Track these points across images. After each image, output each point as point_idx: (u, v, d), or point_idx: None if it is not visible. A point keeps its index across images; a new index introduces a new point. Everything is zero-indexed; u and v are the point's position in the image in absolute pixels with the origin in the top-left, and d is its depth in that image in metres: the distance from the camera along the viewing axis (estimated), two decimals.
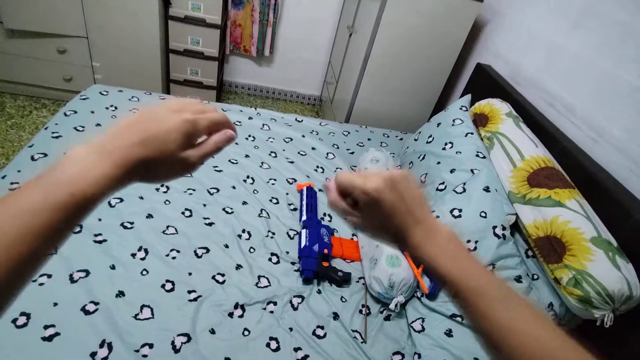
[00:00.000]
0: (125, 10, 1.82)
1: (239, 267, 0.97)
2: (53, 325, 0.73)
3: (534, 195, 0.99)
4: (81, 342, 0.73)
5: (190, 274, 0.91)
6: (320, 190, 1.28)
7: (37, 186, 0.26)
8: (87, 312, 0.78)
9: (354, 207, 0.37)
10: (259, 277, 0.96)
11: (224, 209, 1.11)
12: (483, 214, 0.98)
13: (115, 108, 1.38)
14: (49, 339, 0.71)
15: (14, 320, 0.72)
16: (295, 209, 1.20)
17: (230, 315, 0.86)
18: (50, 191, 0.26)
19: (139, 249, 0.93)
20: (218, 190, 1.17)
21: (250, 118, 1.56)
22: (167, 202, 1.08)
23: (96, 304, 0.79)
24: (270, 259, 1.01)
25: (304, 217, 1.12)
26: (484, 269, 0.35)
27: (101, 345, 0.73)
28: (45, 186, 0.26)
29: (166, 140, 0.32)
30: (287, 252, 1.05)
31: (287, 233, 1.11)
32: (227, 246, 1.01)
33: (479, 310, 0.32)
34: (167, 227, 1.01)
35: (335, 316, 0.91)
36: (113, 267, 0.87)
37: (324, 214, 1.20)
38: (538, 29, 1.43)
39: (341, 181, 0.37)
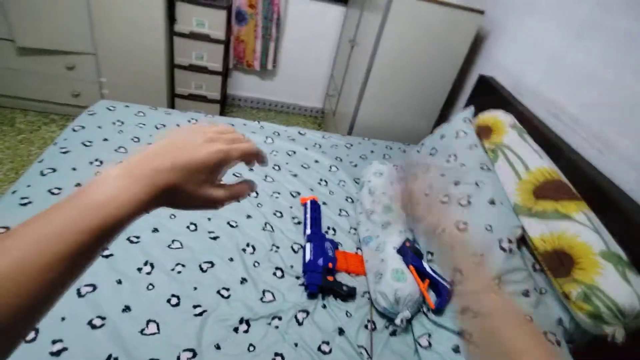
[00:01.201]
0: (131, 27, 1.87)
1: (243, 281, 0.97)
2: (61, 340, 0.73)
3: (540, 208, 0.99)
4: (88, 357, 0.73)
5: (195, 288, 0.92)
6: (324, 203, 1.29)
7: (67, 209, 0.26)
8: (93, 327, 0.78)
9: None
10: (264, 291, 0.96)
11: (228, 223, 1.12)
12: (489, 227, 0.97)
13: (122, 123, 1.41)
14: (57, 354, 0.71)
15: None
16: (299, 223, 1.20)
17: (236, 330, 0.85)
18: (81, 215, 0.26)
19: (145, 264, 0.94)
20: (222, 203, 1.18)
21: (253, 132, 1.58)
22: (172, 217, 1.09)
23: (103, 318, 0.80)
24: (274, 273, 1.01)
25: (308, 231, 1.12)
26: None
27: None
28: (76, 210, 0.26)
29: (198, 169, 0.31)
30: (292, 266, 1.04)
31: (292, 247, 1.11)
32: (231, 260, 1.01)
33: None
34: (173, 241, 1.02)
35: (341, 331, 0.90)
36: (119, 282, 0.88)
37: (328, 228, 1.20)
38: (540, 39, 1.44)
39: None
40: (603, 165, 1.10)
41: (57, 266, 0.24)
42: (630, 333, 0.79)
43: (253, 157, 0.37)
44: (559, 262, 0.90)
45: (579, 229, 0.90)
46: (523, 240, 1.03)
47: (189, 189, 0.31)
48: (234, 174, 1.33)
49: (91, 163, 1.19)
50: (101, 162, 1.21)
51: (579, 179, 1.05)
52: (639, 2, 1.07)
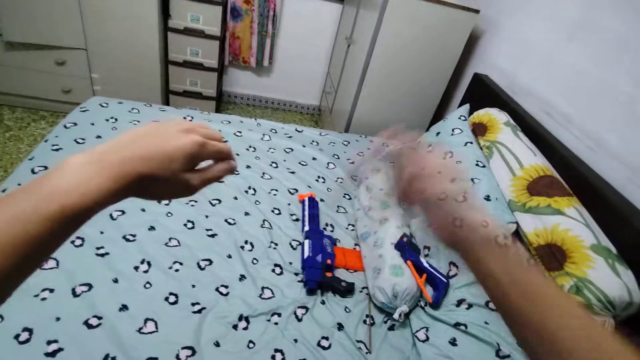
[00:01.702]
0: (124, 21, 1.83)
1: (242, 278, 0.97)
2: (56, 341, 0.72)
3: (534, 203, 1.01)
4: (84, 357, 0.72)
5: (193, 286, 0.91)
6: (321, 200, 1.29)
7: (28, 194, 0.25)
8: (90, 327, 0.77)
9: None
10: (263, 288, 0.96)
11: (226, 220, 1.11)
12: (484, 223, 0.99)
13: (116, 120, 1.39)
14: (52, 354, 0.70)
15: (17, 336, 0.71)
16: (297, 220, 1.20)
17: (235, 327, 0.85)
18: (41, 201, 0.25)
19: (142, 262, 0.93)
20: (220, 201, 1.18)
21: (250, 129, 1.57)
22: (169, 215, 1.08)
23: (99, 318, 0.79)
24: (273, 270, 1.01)
25: (307, 228, 1.12)
26: (516, 261, 0.36)
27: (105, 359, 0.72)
28: (36, 195, 0.25)
29: (172, 158, 0.31)
30: (290, 263, 1.05)
31: (290, 244, 1.11)
32: (230, 257, 1.01)
33: (512, 301, 0.33)
34: (170, 239, 1.01)
35: (340, 327, 0.91)
36: (116, 281, 0.87)
37: (326, 224, 1.20)
38: (534, 39, 1.46)
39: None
40: (594, 162, 1.12)
41: (12, 252, 0.23)
42: (620, 323, 0.81)
43: (226, 159, 0.36)
44: (552, 256, 0.92)
45: (571, 224, 0.92)
46: (517, 236, 1.05)
47: (162, 179, 0.31)
48: None
49: None
50: None
51: (570, 176, 1.08)
52: (629, 4, 1.09)
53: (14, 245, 0.23)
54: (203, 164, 0.35)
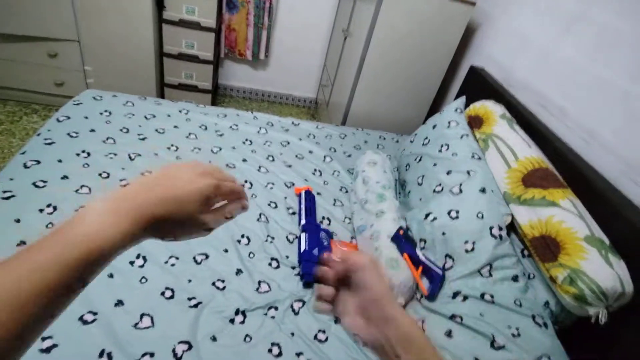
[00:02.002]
0: (117, 13, 1.80)
1: (239, 272, 0.97)
2: (50, 337, 0.72)
3: (529, 195, 1.01)
4: (80, 353, 0.72)
5: (189, 280, 0.91)
6: (318, 193, 1.29)
7: (51, 242, 0.26)
8: (85, 322, 0.77)
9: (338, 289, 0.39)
10: (259, 282, 0.96)
11: None
12: (480, 215, 0.99)
13: (110, 113, 1.37)
14: (47, 350, 0.70)
15: None
16: (294, 213, 1.20)
17: (232, 321, 0.85)
18: (64, 248, 0.26)
19: (137, 257, 0.92)
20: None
21: (246, 123, 1.56)
22: None
23: (94, 313, 0.78)
24: (270, 264, 1.01)
25: (303, 221, 1.12)
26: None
27: (100, 356, 0.72)
28: (59, 243, 0.26)
29: (188, 201, 0.32)
30: (287, 257, 1.05)
31: (287, 237, 1.11)
32: (226, 251, 1.01)
33: None
34: None
35: (336, 320, 0.91)
36: (111, 276, 0.86)
37: (323, 218, 1.20)
38: (530, 32, 1.45)
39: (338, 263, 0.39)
40: (588, 154, 1.13)
41: (38, 301, 0.24)
42: (612, 313, 0.83)
43: (238, 198, 0.39)
44: (546, 248, 0.93)
45: (565, 216, 0.92)
46: (512, 227, 1.06)
47: (178, 220, 0.32)
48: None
49: (78, 155, 1.16)
50: (88, 154, 1.18)
51: (565, 168, 1.08)
52: None
53: (37, 294, 0.24)
54: (217, 205, 0.37)
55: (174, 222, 0.32)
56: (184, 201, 0.32)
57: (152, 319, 0.81)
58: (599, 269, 0.82)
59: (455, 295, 0.93)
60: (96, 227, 0.27)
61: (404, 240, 1.02)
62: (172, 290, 0.87)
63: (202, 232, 0.36)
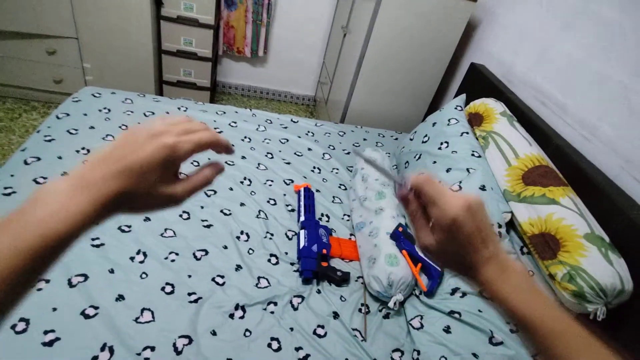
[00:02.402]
0: (115, 10, 1.79)
1: (238, 268, 0.97)
2: (53, 331, 0.73)
3: (528, 193, 1.01)
4: (82, 346, 0.72)
5: (189, 276, 0.91)
6: (317, 190, 1.29)
7: (5, 229, 0.25)
8: (87, 317, 0.77)
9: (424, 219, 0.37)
10: (259, 278, 0.96)
11: (221, 211, 1.11)
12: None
13: (109, 110, 1.37)
14: (50, 344, 0.71)
15: (13, 326, 0.71)
16: (293, 210, 1.20)
17: (231, 316, 0.86)
18: (18, 234, 0.24)
19: (138, 252, 0.93)
20: (215, 192, 1.17)
21: (245, 120, 1.56)
22: None
23: (96, 308, 0.79)
24: (269, 260, 1.02)
25: (302, 218, 1.12)
26: (561, 310, 0.34)
27: (102, 349, 0.73)
28: (13, 229, 0.25)
29: (143, 170, 0.29)
30: (286, 253, 1.05)
31: (286, 234, 1.11)
32: (225, 247, 1.01)
33: (557, 353, 0.32)
34: (165, 229, 1.01)
35: (335, 315, 0.92)
36: (112, 271, 0.87)
37: (322, 215, 1.20)
38: (530, 28, 1.45)
39: (424, 188, 0.35)
40: (588, 151, 1.13)
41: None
42: (611, 310, 0.83)
43: (213, 147, 0.34)
44: (545, 245, 0.93)
45: (565, 213, 0.93)
46: (512, 225, 1.06)
47: (142, 192, 0.29)
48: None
49: (77, 151, 1.16)
50: (88, 151, 1.18)
51: (565, 165, 1.08)
52: None
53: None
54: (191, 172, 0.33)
55: (136, 196, 0.29)
56: (138, 172, 0.28)
57: (152, 313, 0.81)
58: (598, 267, 0.82)
59: (454, 291, 0.94)
60: (53, 209, 0.26)
61: (403, 237, 1.02)
62: (172, 286, 0.88)
63: (171, 203, 0.32)
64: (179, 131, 0.31)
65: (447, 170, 1.17)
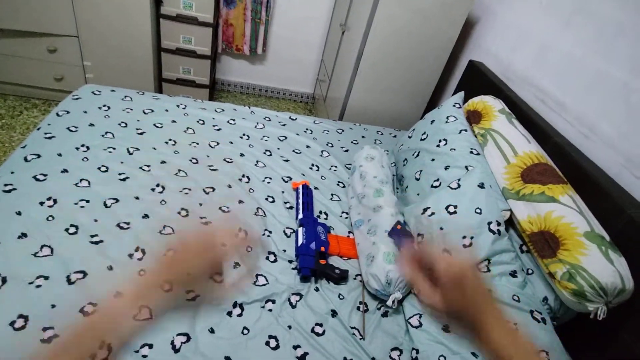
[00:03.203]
0: (115, 8, 1.80)
1: (236, 265, 0.97)
2: (52, 327, 0.73)
3: (527, 191, 1.01)
4: (80, 343, 0.72)
5: (188, 273, 0.91)
6: (316, 188, 1.29)
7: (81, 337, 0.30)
8: (85, 314, 0.77)
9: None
10: (257, 275, 0.96)
11: (220, 208, 1.11)
12: (478, 210, 0.99)
13: (108, 108, 1.37)
14: (48, 340, 0.71)
15: (12, 323, 0.72)
16: (291, 207, 1.20)
17: (229, 314, 0.86)
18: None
19: (136, 250, 0.93)
20: (214, 189, 1.17)
21: (244, 118, 1.56)
22: (162, 202, 1.07)
23: (94, 305, 0.79)
24: (267, 258, 1.02)
25: (300, 215, 1.12)
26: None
27: (100, 347, 0.73)
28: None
29: (193, 283, 0.36)
30: (285, 251, 1.05)
31: (284, 231, 1.11)
32: (224, 245, 1.01)
33: None
34: (164, 227, 1.01)
35: (334, 313, 0.92)
36: (110, 268, 0.87)
37: (320, 212, 1.20)
38: (529, 26, 1.44)
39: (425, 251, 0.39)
40: (588, 149, 1.12)
41: None
42: (611, 309, 0.82)
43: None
44: (545, 244, 0.92)
45: (565, 211, 0.92)
46: (511, 223, 1.06)
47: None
48: (224, 160, 1.32)
49: (77, 149, 1.16)
50: (88, 148, 1.18)
51: (565, 163, 1.08)
52: None
53: None
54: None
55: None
56: (191, 282, 0.36)
57: (150, 310, 0.81)
58: (598, 265, 0.82)
59: None
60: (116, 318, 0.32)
61: (401, 235, 1.02)
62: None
63: (218, 308, 0.39)
64: (228, 242, 0.38)
65: (446, 168, 1.17)
